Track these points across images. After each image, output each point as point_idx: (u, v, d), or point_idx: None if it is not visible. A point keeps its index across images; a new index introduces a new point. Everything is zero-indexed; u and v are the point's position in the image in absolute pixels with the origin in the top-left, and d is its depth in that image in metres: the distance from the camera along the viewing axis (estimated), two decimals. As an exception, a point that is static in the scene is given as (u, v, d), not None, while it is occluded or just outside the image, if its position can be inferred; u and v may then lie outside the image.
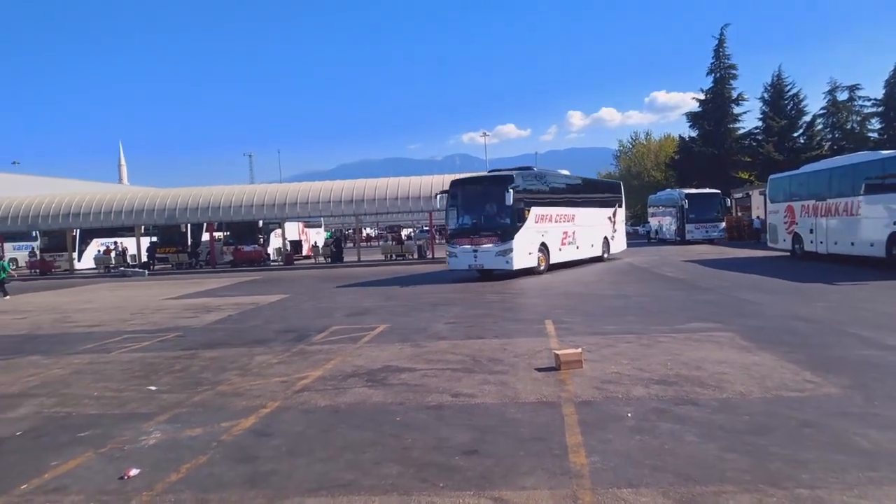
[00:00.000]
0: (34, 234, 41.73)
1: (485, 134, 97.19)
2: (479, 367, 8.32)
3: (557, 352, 8.12)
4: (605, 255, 27.81)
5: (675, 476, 4.55)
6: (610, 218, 28.61)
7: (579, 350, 8.19)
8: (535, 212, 21.82)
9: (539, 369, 7.96)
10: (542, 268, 22.18)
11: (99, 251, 40.19)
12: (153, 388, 8.08)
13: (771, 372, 7.39)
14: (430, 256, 36.09)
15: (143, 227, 39.48)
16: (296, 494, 4.54)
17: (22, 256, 41.97)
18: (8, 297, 23.61)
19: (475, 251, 20.91)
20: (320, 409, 6.76)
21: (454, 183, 22.41)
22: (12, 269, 29.18)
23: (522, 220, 21.05)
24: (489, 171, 23.65)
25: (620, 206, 30.02)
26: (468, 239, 21.13)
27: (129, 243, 40.74)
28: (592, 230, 26.52)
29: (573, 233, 24.81)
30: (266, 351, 10.24)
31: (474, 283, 20.40)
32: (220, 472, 5.05)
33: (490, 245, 20.74)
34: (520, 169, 23.12)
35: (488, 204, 21.21)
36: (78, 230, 39.28)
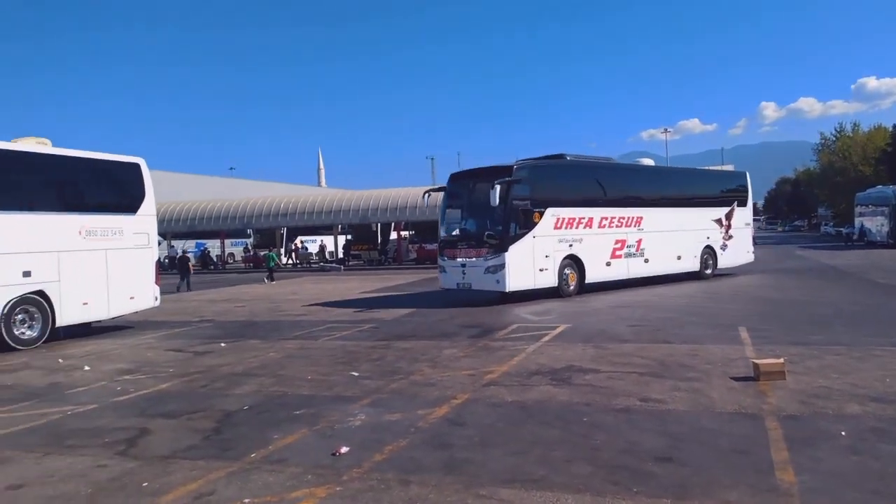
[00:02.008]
0: (248, 231, 47.02)
1: (666, 130, 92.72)
2: (668, 372, 8.06)
3: (756, 361, 7.63)
4: (709, 271, 21.41)
5: (903, 504, 4.12)
6: (720, 220, 22.00)
7: (781, 360, 7.62)
8: (553, 214, 16.87)
9: (735, 378, 7.54)
10: (570, 288, 17.14)
11: (304, 248, 44.53)
12: (355, 373, 8.79)
13: None
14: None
15: (339, 226, 42.95)
16: (490, 484, 4.73)
17: (238, 252, 47.40)
18: (274, 281, 28.47)
19: (463, 266, 16.55)
20: (508, 403, 6.95)
21: (450, 178, 18.04)
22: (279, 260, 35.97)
23: (528, 225, 16.29)
24: (536, 157, 18.23)
25: (743, 203, 23.05)
26: (457, 250, 16.85)
27: (327, 241, 44.68)
28: (682, 237, 20.43)
29: (638, 241, 19.07)
30: (452, 345, 10.68)
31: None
32: (419, 456, 5.39)
33: (478, 259, 16.23)
34: (548, 158, 18.24)
35: (480, 205, 16.27)
36: (285, 228, 43.63)
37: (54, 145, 13.57)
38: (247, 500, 4.62)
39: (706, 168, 24.52)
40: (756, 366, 7.47)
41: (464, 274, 16.51)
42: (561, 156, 18.22)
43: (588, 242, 17.65)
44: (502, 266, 15.76)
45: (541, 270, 16.43)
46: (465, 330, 12.20)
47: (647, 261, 19.31)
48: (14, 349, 11.91)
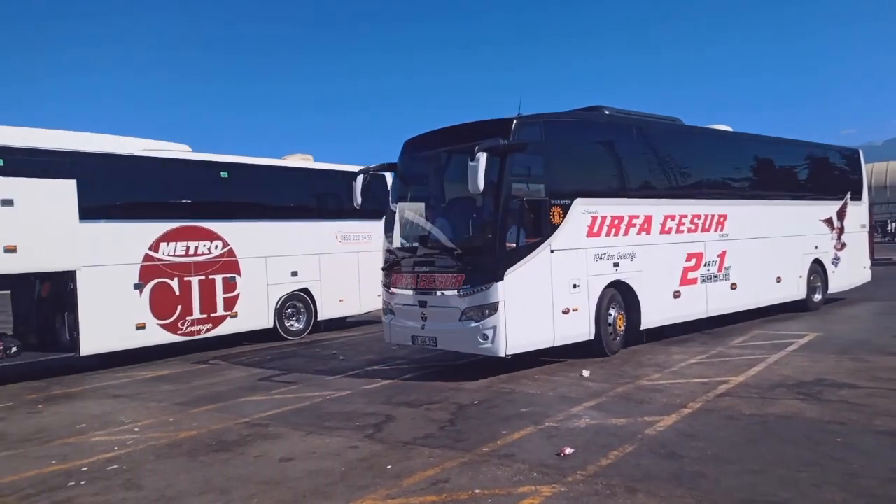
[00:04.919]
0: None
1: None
2: (949, 392, 6.93)
3: None
4: (818, 297, 14.40)
5: None
6: (830, 221, 14.87)
7: None
8: (586, 211, 9.72)
9: None
10: (617, 340, 10.18)
11: None
12: (586, 373, 8.86)
13: None
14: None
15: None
16: (725, 501, 4.49)
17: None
18: None
19: (423, 306, 9.29)
20: (745, 416, 6.51)
21: (405, 146, 10.44)
22: None
23: (541, 230, 9.14)
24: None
25: (857, 196, 15.90)
26: (411, 276, 9.55)
27: None
28: (782, 247, 13.32)
29: (721, 255, 11.98)
30: (683, 351, 10.22)
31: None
32: (646, 464, 5.29)
33: (450, 293, 8.97)
34: (588, 109, 11.01)
35: (454, 194, 9.75)
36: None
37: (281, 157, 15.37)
38: (477, 491, 4.92)
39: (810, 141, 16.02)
40: None
41: (424, 319, 9.30)
42: (596, 108, 11.03)
43: (645, 259, 10.55)
44: (493, 307, 8.57)
45: (565, 312, 9.31)
46: (696, 336, 11.56)
47: (734, 286, 12.20)
48: (284, 339, 13.83)
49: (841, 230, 15.16)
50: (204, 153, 13.29)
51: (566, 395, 7.76)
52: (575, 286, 9.47)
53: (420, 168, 10.33)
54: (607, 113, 10.91)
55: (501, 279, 8.57)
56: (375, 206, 16.14)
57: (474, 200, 8.97)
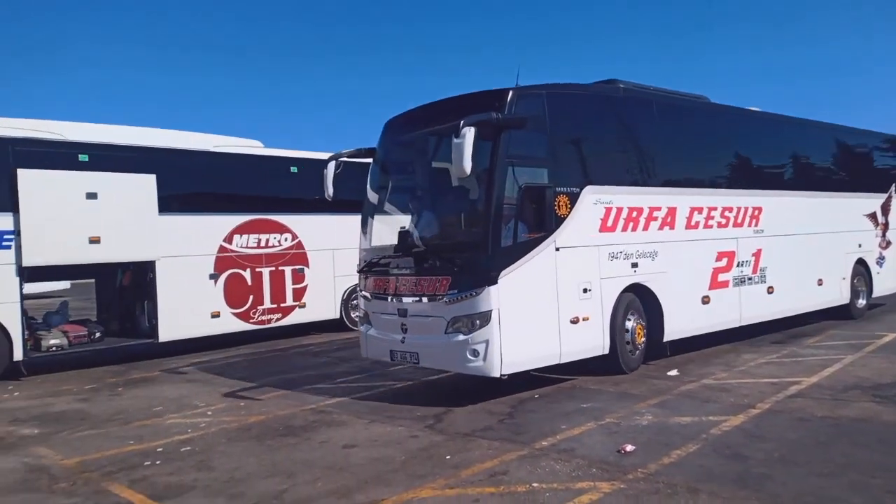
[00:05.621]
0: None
1: None
2: None
3: None
4: (862, 302, 13.00)
5: None
6: (874, 216, 13.55)
7: None
8: (599, 200, 8.33)
9: None
10: (634, 356, 8.77)
11: None
12: (672, 373, 8.69)
13: None
14: None
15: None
16: (791, 504, 4.39)
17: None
18: None
19: (403, 315, 7.89)
20: (817, 418, 6.28)
21: (386, 127, 9.02)
22: None
23: (544, 223, 7.70)
24: None
25: None
26: (390, 280, 8.12)
27: None
28: (824, 245, 11.85)
29: (755, 253, 10.50)
30: (753, 349, 9.93)
31: None
32: (709, 464, 5.18)
33: (433, 300, 7.54)
34: (601, 83, 9.45)
35: (442, 182, 8.44)
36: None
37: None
38: (535, 484, 4.94)
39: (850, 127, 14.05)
40: None
41: (404, 330, 7.90)
42: (611, 82, 9.38)
43: (668, 258, 9.13)
44: (485, 317, 7.17)
45: (573, 322, 7.90)
46: (767, 336, 11.17)
47: (770, 290, 10.70)
48: (350, 329, 14.16)
49: (886, 226, 13.83)
50: (275, 149, 13.73)
51: (628, 392, 7.67)
52: (585, 290, 8.10)
53: (402, 152, 8.99)
54: (623, 86, 9.32)
55: (495, 282, 7.16)
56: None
57: (465, 189, 7.84)
